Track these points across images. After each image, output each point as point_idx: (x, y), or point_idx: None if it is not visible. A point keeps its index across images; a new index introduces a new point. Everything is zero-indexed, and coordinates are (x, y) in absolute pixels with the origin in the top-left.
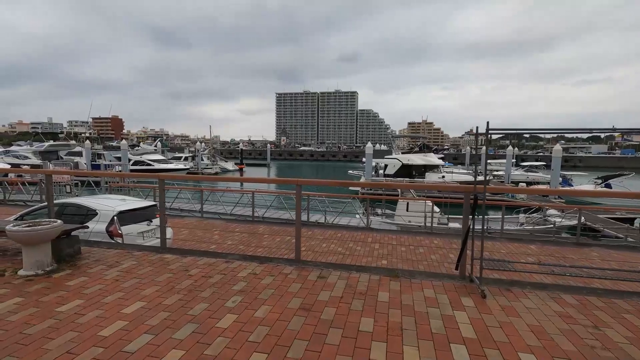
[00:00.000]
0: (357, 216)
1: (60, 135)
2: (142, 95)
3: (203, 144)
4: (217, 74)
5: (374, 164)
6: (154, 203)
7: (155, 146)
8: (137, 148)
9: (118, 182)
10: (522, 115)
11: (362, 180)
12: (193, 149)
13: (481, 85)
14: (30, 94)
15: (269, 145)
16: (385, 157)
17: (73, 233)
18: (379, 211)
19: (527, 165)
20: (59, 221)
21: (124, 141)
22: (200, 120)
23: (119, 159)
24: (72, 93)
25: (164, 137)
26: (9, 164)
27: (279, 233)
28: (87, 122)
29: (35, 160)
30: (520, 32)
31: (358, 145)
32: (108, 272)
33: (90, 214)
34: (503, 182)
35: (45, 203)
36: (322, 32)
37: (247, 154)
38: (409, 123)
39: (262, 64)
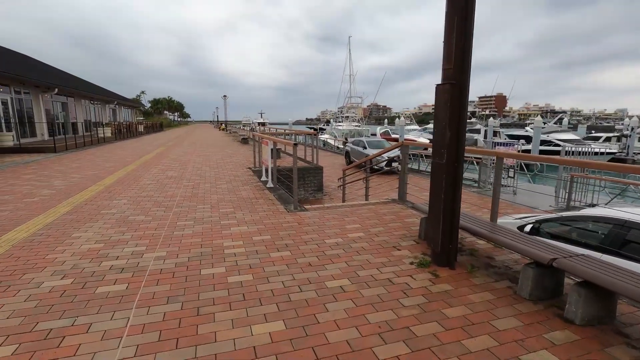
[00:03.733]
0: None
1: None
2: (526, 70)
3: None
4: (631, 28)
5: None
6: None
7: (557, 123)
8: (543, 125)
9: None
10: None
11: None
12: (620, 127)
13: None
14: (429, 81)
15: None
16: None
17: None
18: None
19: None
20: None
21: (538, 117)
22: (593, 92)
23: (511, 137)
24: None
25: (564, 114)
26: (428, 139)
27: None
28: (473, 102)
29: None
30: None
31: None
32: None
33: None
34: None
35: (560, 213)
36: None
37: None
38: None
39: None
